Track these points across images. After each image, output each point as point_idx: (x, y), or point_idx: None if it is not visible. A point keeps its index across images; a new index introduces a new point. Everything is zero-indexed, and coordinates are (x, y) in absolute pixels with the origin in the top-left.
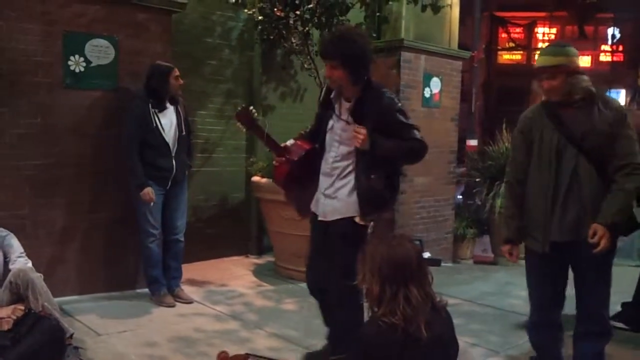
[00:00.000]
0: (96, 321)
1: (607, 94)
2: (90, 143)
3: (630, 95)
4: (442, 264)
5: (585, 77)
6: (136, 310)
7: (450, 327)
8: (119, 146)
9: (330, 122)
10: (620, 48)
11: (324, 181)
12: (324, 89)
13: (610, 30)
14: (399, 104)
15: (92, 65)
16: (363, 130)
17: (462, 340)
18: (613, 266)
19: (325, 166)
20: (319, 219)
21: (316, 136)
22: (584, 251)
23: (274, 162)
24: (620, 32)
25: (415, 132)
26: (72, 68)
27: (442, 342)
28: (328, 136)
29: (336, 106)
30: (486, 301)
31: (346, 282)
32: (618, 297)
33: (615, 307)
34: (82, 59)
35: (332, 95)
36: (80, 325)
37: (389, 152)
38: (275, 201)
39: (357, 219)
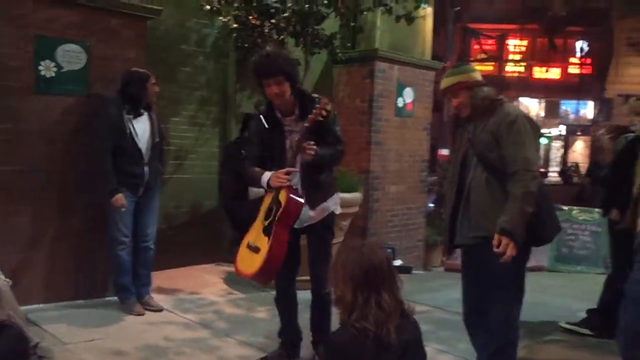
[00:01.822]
0: (63, 330)
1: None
2: (60, 149)
3: (598, 106)
4: (414, 272)
5: (486, 89)
6: (104, 318)
7: (418, 333)
8: (89, 152)
9: (287, 141)
10: (589, 61)
11: None
12: (262, 112)
13: (579, 44)
14: (335, 113)
15: (64, 70)
16: (314, 145)
17: (431, 347)
18: (580, 273)
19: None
20: (296, 227)
21: (266, 160)
22: (479, 257)
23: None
24: (588, 46)
25: (341, 142)
26: (42, 73)
27: (410, 348)
28: (288, 153)
29: (285, 124)
30: (456, 308)
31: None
32: (585, 304)
33: (581, 314)
34: (53, 64)
35: (277, 115)
36: (46, 335)
37: (325, 161)
38: None
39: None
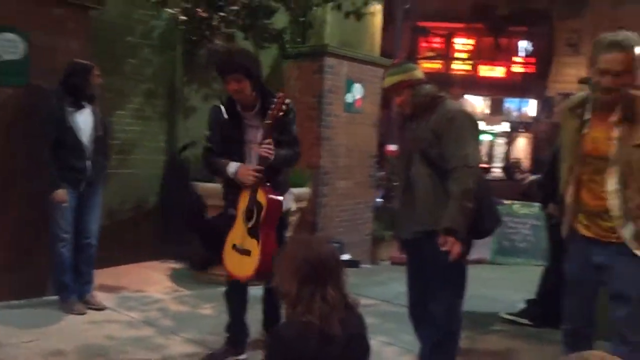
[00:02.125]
0: (0, 330)
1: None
2: None
3: (540, 105)
4: (361, 266)
5: (427, 86)
6: (44, 318)
7: (362, 326)
8: (28, 145)
9: (245, 134)
10: (532, 60)
11: None
12: (223, 105)
13: (522, 43)
14: (294, 112)
15: (1, 60)
16: (270, 142)
17: (377, 340)
18: (521, 265)
19: None
20: None
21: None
22: (423, 251)
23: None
24: (532, 45)
25: (298, 144)
26: None
27: (354, 340)
28: (246, 146)
29: (245, 117)
30: (402, 301)
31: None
32: (524, 295)
33: (520, 305)
34: None
35: (238, 108)
36: None
37: (282, 161)
38: (213, 206)
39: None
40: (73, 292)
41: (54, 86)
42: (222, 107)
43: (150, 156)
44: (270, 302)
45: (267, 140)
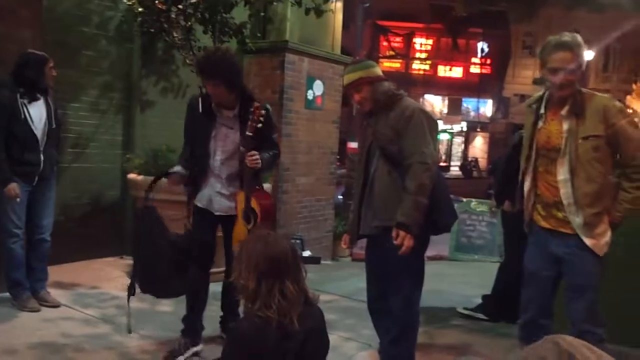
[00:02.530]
0: None
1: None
2: None
3: (496, 104)
4: (322, 262)
5: (386, 83)
6: None
7: (321, 321)
8: None
9: (214, 130)
10: (489, 61)
11: (215, 182)
12: (199, 99)
13: (480, 45)
14: (271, 116)
15: None
16: (256, 154)
17: (337, 335)
18: (478, 262)
19: (214, 169)
20: (216, 214)
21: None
22: (381, 246)
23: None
24: (488, 47)
25: (277, 147)
26: None
27: (313, 335)
28: (212, 142)
29: (218, 115)
30: (362, 297)
31: None
32: (481, 290)
33: (476, 300)
34: None
35: (212, 105)
36: None
37: (266, 165)
38: (157, 200)
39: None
40: (26, 289)
41: (3, 77)
42: (200, 100)
43: (107, 150)
44: (229, 298)
45: (252, 152)
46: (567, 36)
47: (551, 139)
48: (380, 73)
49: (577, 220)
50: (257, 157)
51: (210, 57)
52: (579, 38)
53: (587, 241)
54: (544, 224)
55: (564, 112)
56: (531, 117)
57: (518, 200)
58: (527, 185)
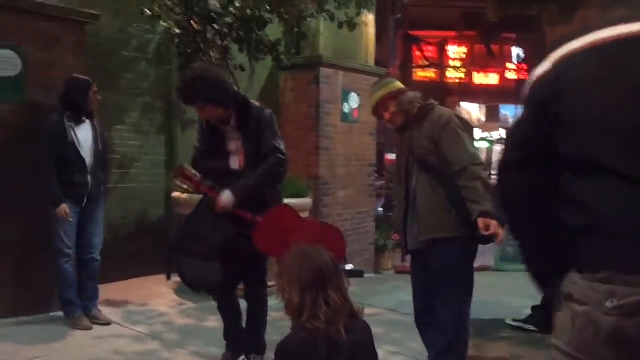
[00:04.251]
0: (5, 348)
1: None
2: None
3: None
4: (365, 275)
5: (410, 94)
6: (49, 334)
7: (368, 334)
8: (27, 161)
9: (228, 145)
10: (525, 67)
11: None
12: (203, 126)
13: (515, 50)
14: (273, 119)
15: None
16: (218, 202)
17: (384, 349)
18: (523, 271)
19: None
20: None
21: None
22: (427, 258)
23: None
24: (524, 52)
25: (279, 150)
26: None
27: (361, 348)
28: (230, 157)
29: (223, 129)
30: (407, 310)
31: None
32: (529, 301)
33: (525, 311)
34: None
35: (218, 125)
36: None
37: (256, 187)
38: None
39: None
40: (78, 307)
41: (51, 102)
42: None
43: (150, 170)
44: (254, 313)
45: (219, 199)
46: None
47: None
48: (402, 86)
49: None
50: (222, 203)
51: (183, 83)
52: None
53: None
54: None
55: None
56: None
57: None
58: None
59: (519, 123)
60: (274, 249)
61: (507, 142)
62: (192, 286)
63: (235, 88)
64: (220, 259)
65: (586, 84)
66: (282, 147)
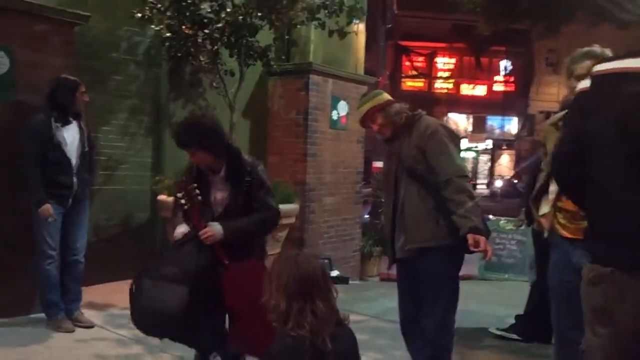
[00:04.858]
0: None
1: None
2: None
3: (521, 122)
4: (350, 282)
5: (397, 105)
6: (30, 337)
7: (353, 342)
8: (12, 161)
9: (212, 194)
10: (512, 79)
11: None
12: (193, 169)
13: (503, 63)
14: (265, 174)
15: None
16: (208, 230)
17: (368, 356)
18: (507, 281)
19: None
20: None
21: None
22: (414, 267)
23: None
24: (512, 65)
25: (270, 207)
26: None
27: (346, 356)
28: (212, 208)
29: (211, 177)
30: (392, 317)
31: None
32: (513, 310)
33: (509, 320)
34: None
35: (208, 174)
36: None
37: (242, 232)
38: None
39: None
40: (61, 310)
41: (38, 102)
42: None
43: (137, 172)
44: None
45: (204, 230)
46: (595, 47)
47: None
48: (389, 97)
49: None
50: (209, 233)
51: (181, 126)
52: (607, 51)
53: None
54: (565, 233)
55: None
56: (556, 134)
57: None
58: (551, 198)
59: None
60: (234, 298)
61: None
62: (142, 317)
63: (228, 140)
64: (190, 288)
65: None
66: (275, 204)
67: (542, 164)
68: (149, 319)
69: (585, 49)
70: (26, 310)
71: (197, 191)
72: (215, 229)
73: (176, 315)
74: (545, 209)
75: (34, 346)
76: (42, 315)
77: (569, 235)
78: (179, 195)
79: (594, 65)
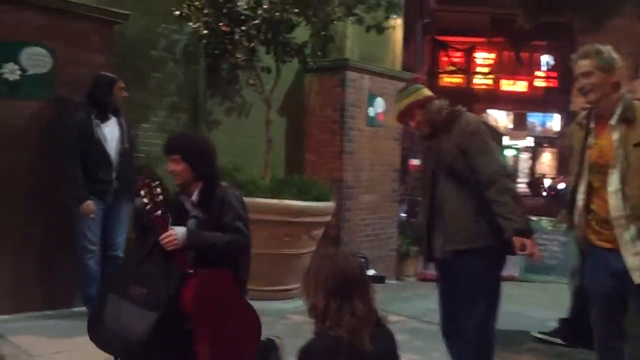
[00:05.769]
0: (29, 342)
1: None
2: (23, 154)
3: (564, 119)
4: (387, 281)
5: (437, 102)
6: (73, 329)
7: (393, 343)
8: (54, 158)
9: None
10: (554, 74)
11: None
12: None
13: (544, 57)
14: (238, 200)
15: (28, 73)
16: (170, 233)
17: (406, 357)
18: (550, 283)
19: None
20: None
21: None
22: (453, 268)
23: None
24: (553, 60)
25: (241, 233)
26: (6, 76)
27: (385, 357)
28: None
29: (186, 205)
30: (430, 318)
31: None
32: (555, 313)
33: (551, 324)
34: (17, 67)
35: (180, 197)
36: (11, 347)
37: (204, 243)
38: (266, 221)
39: None
40: None
41: (78, 99)
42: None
43: None
44: None
45: (167, 233)
46: (594, 46)
47: (604, 154)
48: (429, 93)
49: (625, 235)
50: (172, 237)
51: (176, 134)
52: (604, 48)
53: (630, 260)
54: (599, 242)
55: (612, 121)
56: (580, 133)
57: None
58: (580, 203)
59: None
60: (192, 305)
61: None
62: (100, 333)
63: (217, 162)
64: (161, 314)
65: None
66: (245, 230)
67: (571, 165)
68: (108, 336)
69: (585, 47)
70: (68, 304)
71: (159, 190)
72: (179, 233)
73: (135, 344)
74: (576, 215)
75: (76, 338)
76: (84, 309)
77: (603, 245)
78: (141, 193)
79: (586, 63)
